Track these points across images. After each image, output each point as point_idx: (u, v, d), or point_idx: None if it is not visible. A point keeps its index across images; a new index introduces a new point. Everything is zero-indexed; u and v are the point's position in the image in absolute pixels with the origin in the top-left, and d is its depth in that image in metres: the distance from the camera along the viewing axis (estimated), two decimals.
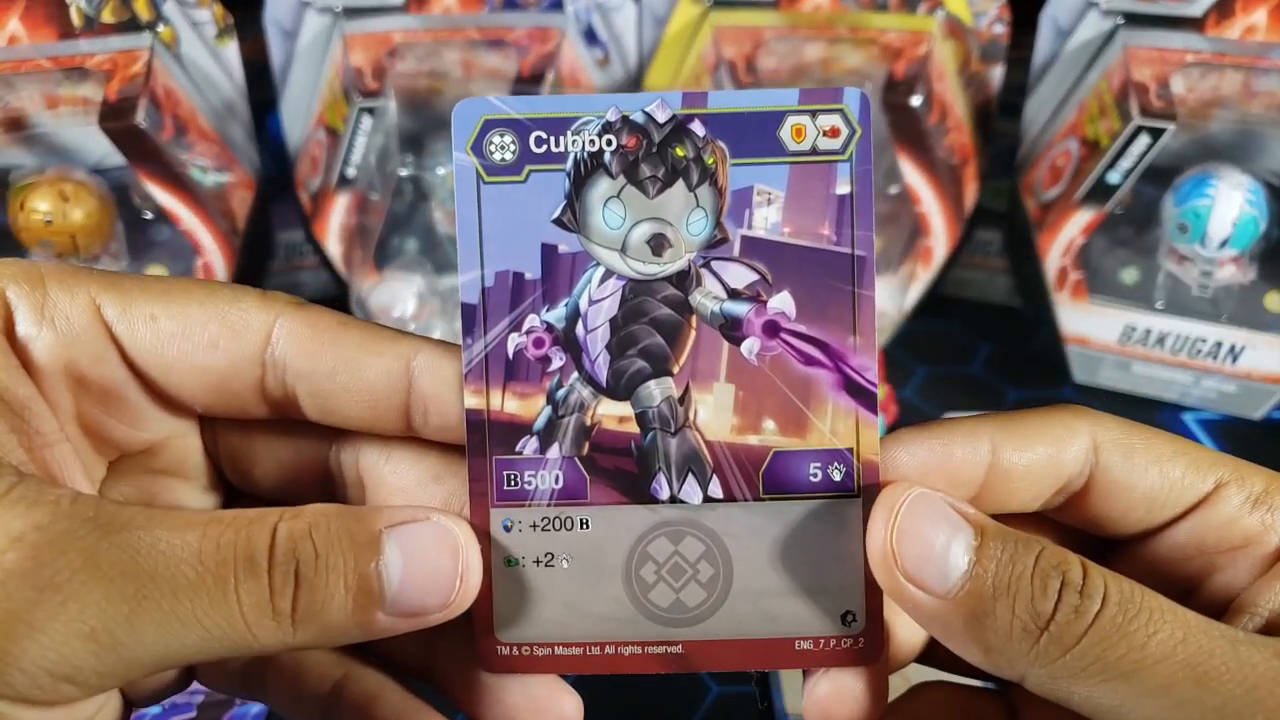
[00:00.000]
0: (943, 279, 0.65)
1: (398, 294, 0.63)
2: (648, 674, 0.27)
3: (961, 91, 0.63)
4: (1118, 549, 0.28)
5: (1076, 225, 0.61)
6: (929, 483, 0.25)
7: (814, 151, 0.25)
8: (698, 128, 0.25)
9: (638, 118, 0.25)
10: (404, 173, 0.63)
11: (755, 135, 0.25)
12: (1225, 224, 0.57)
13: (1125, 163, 0.58)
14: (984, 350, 0.68)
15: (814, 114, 0.25)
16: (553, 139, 0.25)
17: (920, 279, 0.64)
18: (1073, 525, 0.28)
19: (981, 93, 0.63)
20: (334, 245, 0.64)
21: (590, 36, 0.63)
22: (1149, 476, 0.26)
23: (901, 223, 0.63)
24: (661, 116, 0.25)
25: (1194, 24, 0.58)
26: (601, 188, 0.25)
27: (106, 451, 0.27)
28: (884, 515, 0.24)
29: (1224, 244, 0.58)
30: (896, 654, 0.28)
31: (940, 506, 0.24)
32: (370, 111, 0.61)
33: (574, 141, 0.25)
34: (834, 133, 0.25)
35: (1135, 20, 0.59)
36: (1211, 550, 0.26)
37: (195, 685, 0.28)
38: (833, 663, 0.26)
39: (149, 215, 0.61)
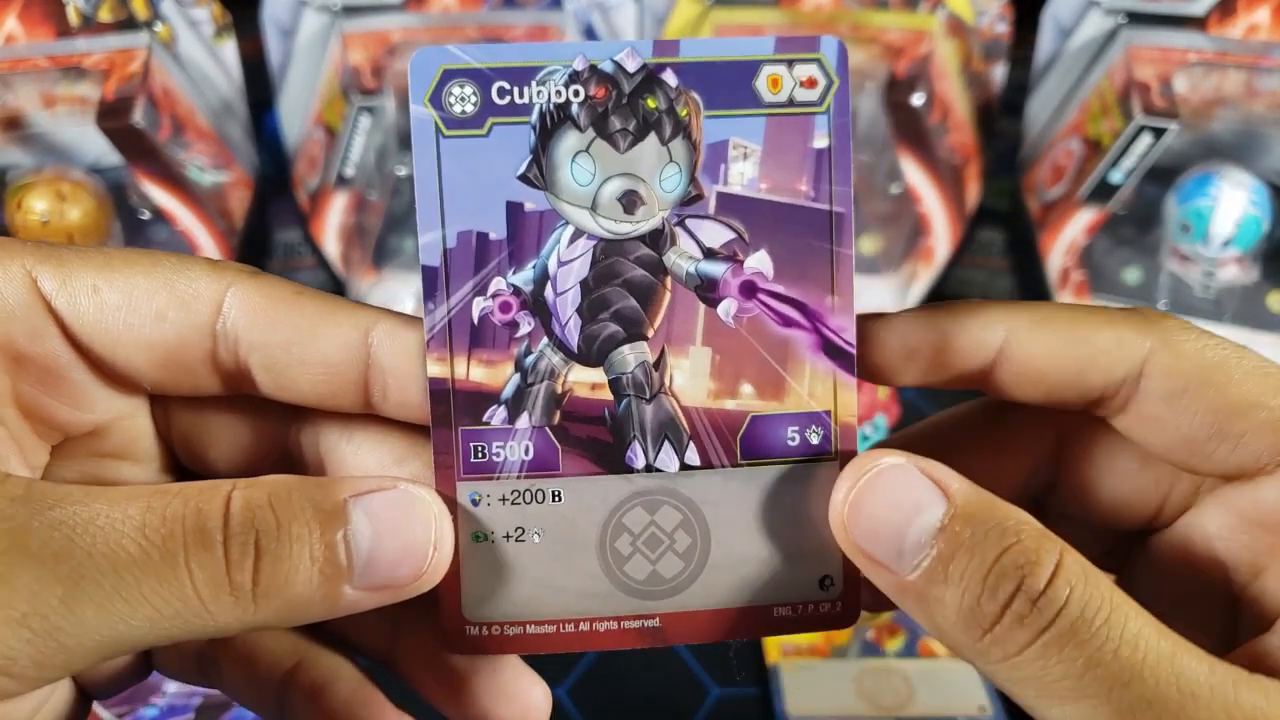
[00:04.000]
0: (945, 279, 0.65)
1: (396, 294, 0.63)
2: (624, 649, 0.26)
3: (963, 90, 0.62)
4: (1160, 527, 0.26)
5: (1079, 225, 0.60)
6: (911, 368, 0.24)
7: (791, 103, 0.24)
8: (670, 78, 0.24)
9: (606, 67, 0.23)
10: (402, 172, 0.63)
11: (730, 86, 0.24)
12: (1228, 224, 0.57)
13: (1128, 162, 0.58)
14: None
15: (790, 63, 0.24)
16: (516, 89, 0.23)
17: (922, 279, 0.64)
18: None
19: (983, 92, 0.63)
20: (332, 245, 0.63)
21: (589, 35, 0.63)
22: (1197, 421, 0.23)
23: (903, 222, 0.63)
24: (631, 66, 0.23)
25: (1196, 23, 0.58)
26: (569, 141, 0.24)
27: (48, 435, 0.25)
28: (846, 485, 0.23)
29: (1227, 244, 0.58)
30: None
31: (911, 480, 0.22)
32: (369, 110, 0.61)
33: (539, 92, 0.23)
34: (811, 83, 0.24)
35: (1137, 19, 0.59)
36: (1257, 530, 0.24)
37: (194, 687, 0.27)
38: (810, 628, 0.25)
39: (146, 215, 0.61)
